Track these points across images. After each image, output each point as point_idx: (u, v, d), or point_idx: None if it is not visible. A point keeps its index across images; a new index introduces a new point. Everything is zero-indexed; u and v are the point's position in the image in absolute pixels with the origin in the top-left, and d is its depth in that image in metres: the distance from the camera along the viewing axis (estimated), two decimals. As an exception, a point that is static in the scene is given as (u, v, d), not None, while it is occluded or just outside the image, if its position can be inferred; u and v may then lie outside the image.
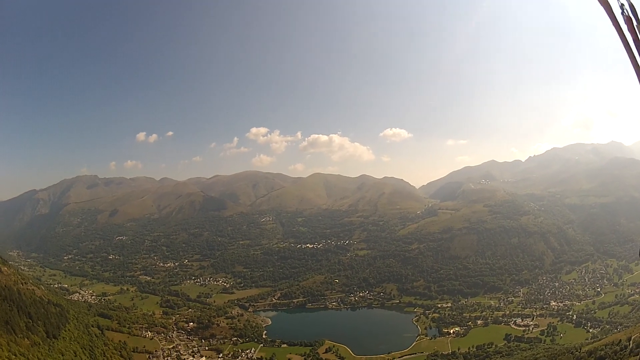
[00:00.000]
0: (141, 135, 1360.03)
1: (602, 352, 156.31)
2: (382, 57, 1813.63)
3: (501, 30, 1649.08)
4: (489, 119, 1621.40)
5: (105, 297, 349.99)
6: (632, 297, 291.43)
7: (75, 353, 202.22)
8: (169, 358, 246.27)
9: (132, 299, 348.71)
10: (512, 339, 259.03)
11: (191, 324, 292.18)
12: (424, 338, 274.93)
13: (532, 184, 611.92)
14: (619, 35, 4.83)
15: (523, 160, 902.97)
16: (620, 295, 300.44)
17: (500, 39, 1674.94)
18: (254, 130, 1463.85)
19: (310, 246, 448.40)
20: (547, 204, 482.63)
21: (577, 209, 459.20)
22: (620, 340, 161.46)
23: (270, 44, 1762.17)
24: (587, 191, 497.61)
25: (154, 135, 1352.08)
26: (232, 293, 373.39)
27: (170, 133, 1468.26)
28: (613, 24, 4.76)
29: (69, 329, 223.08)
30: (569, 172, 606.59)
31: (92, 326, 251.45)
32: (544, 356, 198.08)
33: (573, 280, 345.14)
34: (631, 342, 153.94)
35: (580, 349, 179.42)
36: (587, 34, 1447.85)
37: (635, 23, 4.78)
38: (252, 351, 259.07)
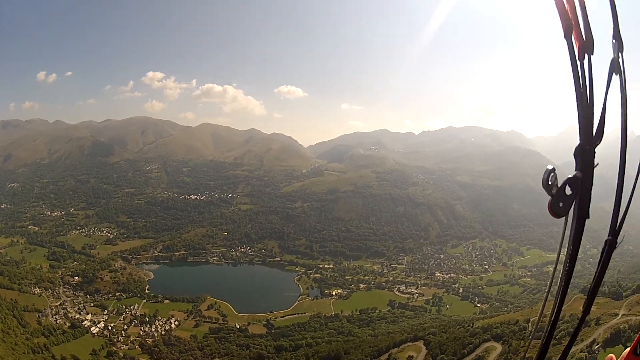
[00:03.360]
0: (41, 75, 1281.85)
1: (499, 331, 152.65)
2: (286, 13, 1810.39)
3: (411, 5, 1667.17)
4: (386, 88, 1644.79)
5: None
6: (523, 279, 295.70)
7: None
8: (57, 316, 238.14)
9: (22, 252, 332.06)
10: (396, 305, 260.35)
11: (76, 277, 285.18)
12: (305, 298, 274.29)
13: (424, 157, 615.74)
14: None
15: (416, 134, 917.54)
16: (510, 275, 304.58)
17: (413, 11, 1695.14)
18: (150, 74, 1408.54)
19: (193, 197, 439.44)
20: (437, 179, 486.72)
21: (468, 188, 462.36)
22: (518, 320, 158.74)
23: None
24: (480, 172, 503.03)
25: (54, 75, 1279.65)
26: (116, 244, 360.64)
27: (70, 73, 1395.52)
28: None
29: None
30: (463, 151, 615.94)
31: None
32: (432, 326, 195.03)
33: (459, 255, 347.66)
34: (530, 324, 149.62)
35: (473, 324, 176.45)
36: (510, 25, 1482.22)
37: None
38: (135, 307, 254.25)
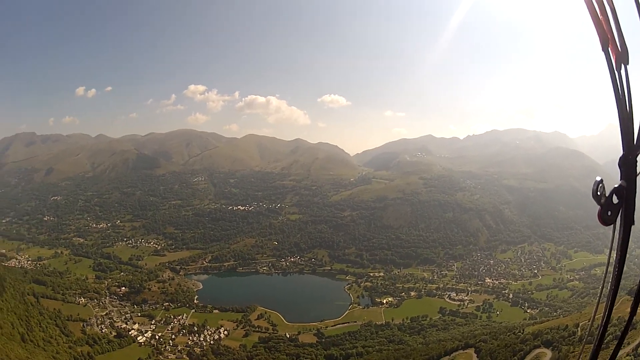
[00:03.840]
0: (80, 90, 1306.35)
1: (549, 336, 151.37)
2: (327, 22, 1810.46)
3: (454, 8, 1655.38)
4: (429, 94, 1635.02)
5: (41, 262, 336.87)
6: (572, 283, 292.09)
7: (12, 325, 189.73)
8: (102, 325, 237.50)
9: (66, 263, 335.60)
10: (447, 312, 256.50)
11: (123, 288, 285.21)
12: (356, 307, 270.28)
13: (469, 162, 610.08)
14: (587, 5, 4.94)
15: (461, 138, 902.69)
16: (559, 279, 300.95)
17: (451, 17, 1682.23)
18: (192, 87, 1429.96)
19: (241, 208, 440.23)
20: (484, 183, 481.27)
21: (514, 191, 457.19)
22: (567, 325, 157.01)
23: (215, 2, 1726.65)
24: (525, 175, 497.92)
25: (93, 90, 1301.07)
26: (164, 255, 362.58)
27: (109, 88, 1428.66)
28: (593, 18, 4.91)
29: (5, 299, 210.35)
30: (508, 155, 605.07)
31: (28, 294, 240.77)
32: (483, 333, 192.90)
33: (509, 260, 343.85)
34: (579, 329, 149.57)
35: (523, 330, 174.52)
36: (546, 28, 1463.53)
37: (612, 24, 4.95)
38: (184, 317, 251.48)
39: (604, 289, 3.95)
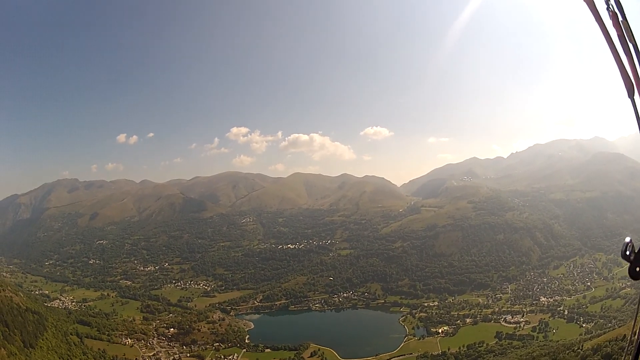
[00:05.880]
0: (122, 137, 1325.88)
1: (609, 349, 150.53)
2: (365, 56, 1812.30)
3: (484, 31, 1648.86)
4: (470, 117, 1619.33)
5: (86, 303, 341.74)
6: (624, 291, 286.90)
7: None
8: None
9: (113, 305, 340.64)
10: (503, 336, 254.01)
11: (172, 329, 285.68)
12: (411, 338, 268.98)
13: (515, 180, 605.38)
14: (602, 31, 4.89)
15: (505, 157, 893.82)
16: (612, 289, 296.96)
17: (482, 39, 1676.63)
18: (234, 130, 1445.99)
19: (291, 246, 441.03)
20: (532, 200, 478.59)
21: (562, 204, 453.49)
22: (625, 335, 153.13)
23: (251, 44, 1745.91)
24: (571, 186, 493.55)
25: (135, 137, 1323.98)
26: (214, 296, 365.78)
27: (151, 134, 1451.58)
28: (597, 21, 4.83)
29: (46, 338, 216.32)
30: (552, 168, 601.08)
31: (71, 334, 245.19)
32: (541, 354, 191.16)
33: (562, 275, 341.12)
34: (637, 336, 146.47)
35: (582, 346, 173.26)
36: (569, 32, 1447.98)
37: (620, 19, 4.86)
38: (234, 357, 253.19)
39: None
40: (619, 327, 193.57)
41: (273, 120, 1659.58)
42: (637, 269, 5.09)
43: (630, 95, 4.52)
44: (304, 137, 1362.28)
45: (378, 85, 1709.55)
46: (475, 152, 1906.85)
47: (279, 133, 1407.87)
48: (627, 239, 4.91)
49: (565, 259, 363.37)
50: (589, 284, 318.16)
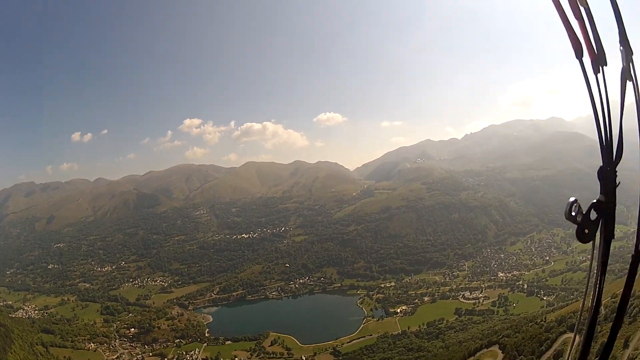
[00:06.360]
0: (76, 136, 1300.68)
1: (573, 320, 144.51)
2: (317, 43, 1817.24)
3: (436, 15, 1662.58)
4: (423, 100, 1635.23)
5: (48, 310, 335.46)
6: (585, 264, 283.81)
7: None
8: None
9: (74, 309, 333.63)
10: (462, 313, 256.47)
11: (132, 329, 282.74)
12: (370, 320, 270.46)
13: (470, 161, 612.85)
14: (558, 11, 4.98)
15: (459, 139, 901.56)
16: (572, 262, 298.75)
17: (434, 24, 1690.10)
18: (187, 122, 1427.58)
19: (245, 236, 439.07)
20: (487, 179, 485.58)
21: (518, 182, 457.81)
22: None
23: (198, 35, 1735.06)
24: (527, 165, 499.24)
25: (89, 135, 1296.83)
26: (171, 292, 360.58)
27: (105, 131, 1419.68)
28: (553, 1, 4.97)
29: (14, 351, 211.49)
30: (508, 148, 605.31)
31: (37, 344, 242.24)
32: (503, 327, 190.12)
33: (519, 251, 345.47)
34: (602, 307, 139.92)
35: (545, 318, 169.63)
36: (524, 14, 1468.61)
37: None
38: (196, 352, 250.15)
39: (586, 302, 4.10)
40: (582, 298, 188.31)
41: (226, 110, 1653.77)
42: (586, 231, 3.55)
43: (578, 56, 4.43)
44: (256, 126, 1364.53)
45: (331, 71, 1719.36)
46: (429, 134, 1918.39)
47: (232, 123, 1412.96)
48: (572, 199, 4.73)
49: (522, 235, 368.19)
50: (547, 258, 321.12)
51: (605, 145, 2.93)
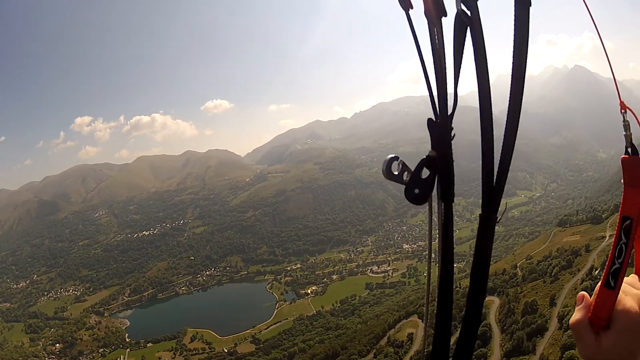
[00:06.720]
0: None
1: (490, 284, 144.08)
2: (198, 31, 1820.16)
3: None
4: (310, 82, 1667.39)
5: None
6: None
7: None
8: None
9: (2, 332, 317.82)
10: (374, 287, 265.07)
11: (58, 345, 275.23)
12: (283, 304, 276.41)
13: (361, 138, 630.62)
14: None
15: (349, 117, 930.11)
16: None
17: (318, 7, 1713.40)
18: (78, 120, 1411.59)
19: (146, 233, 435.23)
20: (379, 155, 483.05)
21: (412, 156, 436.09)
22: (505, 269, 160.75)
23: (81, 30, 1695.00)
24: (420, 139, 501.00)
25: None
26: (85, 300, 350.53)
27: (3, 138, 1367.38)
28: None
29: None
30: (399, 124, 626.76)
31: None
32: (418, 297, 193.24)
33: (421, 222, 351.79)
34: (519, 269, 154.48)
35: (460, 284, 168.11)
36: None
37: None
38: (121, 359, 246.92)
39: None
40: (494, 262, 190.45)
41: (114, 104, 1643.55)
42: (416, 190, 3.16)
43: (405, 8, 3.44)
44: (145, 119, 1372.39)
45: (215, 58, 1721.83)
46: (318, 115, 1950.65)
47: (121, 117, 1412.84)
48: (391, 155, 3.09)
49: (422, 207, 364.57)
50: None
51: (441, 94, 2.70)
